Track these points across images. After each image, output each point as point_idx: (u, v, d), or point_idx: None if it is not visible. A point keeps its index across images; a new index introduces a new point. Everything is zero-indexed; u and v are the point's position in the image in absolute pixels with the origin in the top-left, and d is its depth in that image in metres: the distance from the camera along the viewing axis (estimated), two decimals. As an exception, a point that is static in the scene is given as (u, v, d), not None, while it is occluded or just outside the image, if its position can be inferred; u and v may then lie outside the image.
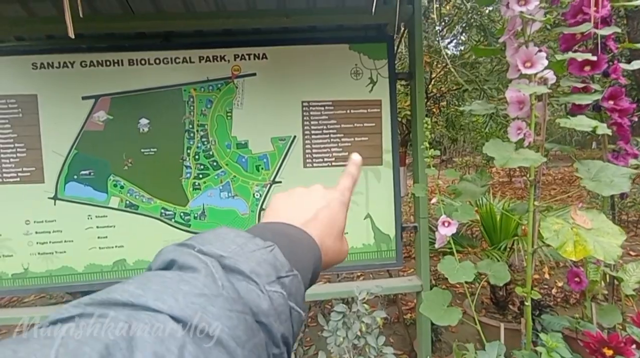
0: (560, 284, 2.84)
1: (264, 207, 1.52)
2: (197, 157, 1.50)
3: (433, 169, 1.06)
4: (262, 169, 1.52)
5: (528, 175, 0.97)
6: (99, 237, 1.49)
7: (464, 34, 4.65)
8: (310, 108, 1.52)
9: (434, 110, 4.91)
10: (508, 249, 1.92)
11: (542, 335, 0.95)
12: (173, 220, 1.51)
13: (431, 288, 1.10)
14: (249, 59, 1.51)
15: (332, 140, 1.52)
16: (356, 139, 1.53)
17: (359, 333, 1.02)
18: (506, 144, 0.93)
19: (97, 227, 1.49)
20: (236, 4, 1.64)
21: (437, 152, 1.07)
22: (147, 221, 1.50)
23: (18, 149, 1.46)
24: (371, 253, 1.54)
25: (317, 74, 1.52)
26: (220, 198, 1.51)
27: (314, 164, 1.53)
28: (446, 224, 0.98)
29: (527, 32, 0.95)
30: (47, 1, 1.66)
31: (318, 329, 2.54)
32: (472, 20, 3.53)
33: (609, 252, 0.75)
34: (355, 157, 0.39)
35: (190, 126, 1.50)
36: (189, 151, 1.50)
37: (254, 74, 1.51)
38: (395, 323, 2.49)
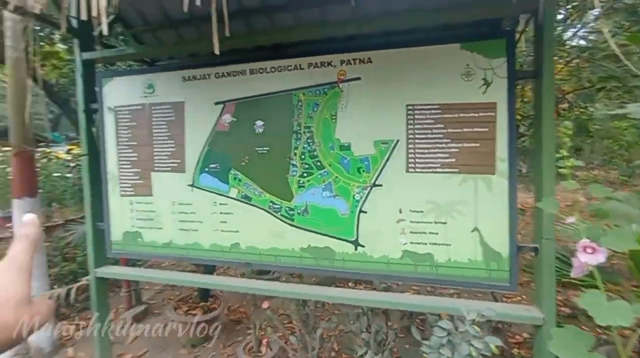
0: None
1: (363, 209, 1.55)
2: (302, 156, 1.63)
3: (573, 182, 0.90)
4: (363, 171, 1.54)
5: None
6: (221, 222, 1.76)
7: (597, 21, 3.80)
8: (415, 112, 1.48)
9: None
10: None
11: None
12: (279, 213, 1.67)
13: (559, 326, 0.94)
14: (354, 63, 1.55)
15: (437, 145, 1.45)
16: (465, 144, 1.42)
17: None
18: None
19: (220, 213, 1.76)
20: (341, 13, 1.71)
21: (580, 162, 0.91)
22: (258, 212, 1.71)
23: (169, 145, 1.84)
24: (478, 270, 1.40)
25: (423, 76, 1.46)
26: (322, 196, 1.60)
27: (417, 169, 1.48)
28: (589, 250, 0.82)
29: None
30: (192, 26, 2.04)
31: (405, 341, 2.44)
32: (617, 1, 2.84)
33: None
34: (27, 217, 0.40)
35: (298, 128, 1.63)
36: (295, 151, 1.64)
37: (359, 78, 1.54)
38: (500, 357, 2.22)
